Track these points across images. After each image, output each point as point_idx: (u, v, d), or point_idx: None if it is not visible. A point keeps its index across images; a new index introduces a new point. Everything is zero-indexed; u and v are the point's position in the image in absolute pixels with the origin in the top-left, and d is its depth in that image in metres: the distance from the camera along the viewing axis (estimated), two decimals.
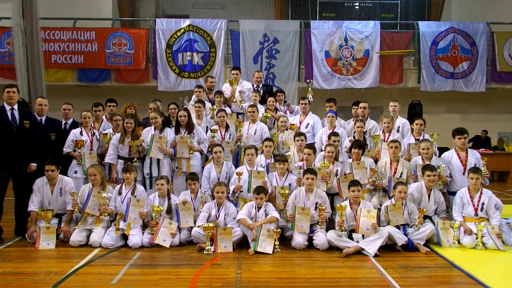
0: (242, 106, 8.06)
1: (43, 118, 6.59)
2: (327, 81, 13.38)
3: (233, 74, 8.51)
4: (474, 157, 6.40)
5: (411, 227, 5.79)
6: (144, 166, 6.66)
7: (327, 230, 5.76)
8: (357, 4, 16.14)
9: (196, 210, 6.01)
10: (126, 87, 13.13)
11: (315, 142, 7.38)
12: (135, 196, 5.88)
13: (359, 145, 6.44)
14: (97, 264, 5.05)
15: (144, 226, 5.89)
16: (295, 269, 4.96)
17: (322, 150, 6.95)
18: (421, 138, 6.85)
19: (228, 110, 7.86)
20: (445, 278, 4.72)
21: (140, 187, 6.14)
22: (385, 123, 7.15)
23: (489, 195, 5.88)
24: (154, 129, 6.70)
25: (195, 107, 7.55)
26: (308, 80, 9.87)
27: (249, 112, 7.44)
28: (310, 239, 5.74)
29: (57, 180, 6.01)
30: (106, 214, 5.81)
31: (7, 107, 5.93)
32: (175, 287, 4.38)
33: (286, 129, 7.40)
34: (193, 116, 7.30)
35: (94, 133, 6.81)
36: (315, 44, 13.35)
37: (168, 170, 6.65)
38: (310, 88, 8.64)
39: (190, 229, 5.84)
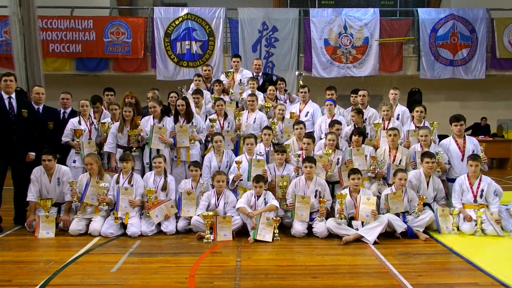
0: (242, 98, 8.00)
1: (41, 107, 6.56)
2: (326, 70, 13.32)
3: (233, 62, 8.46)
4: (472, 143, 6.40)
5: (410, 214, 5.79)
6: (143, 155, 6.66)
7: (326, 218, 5.76)
8: None
9: (196, 199, 6.00)
10: (125, 76, 13.05)
11: (314, 131, 7.36)
12: (132, 185, 5.87)
13: (360, 132, 6.43)
14: (96, 253, 5.06)
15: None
16: (294, 257, 4.98)
17: (321, 139, 6.94)
18: (421, 125, 6.84)
19: (226, 98, 7.81)
20: (444, 265, 4.74)
21: (137, 176, 6.10)
22: (384, 111, 7.11)
23: (488, 181, 5.89)
24: (153, 118, 6.68)
25: (193, 98, 7.49)
26: (298, 72, 9.76)
27: (248, 101, 7.39)
28: (309, 227, 5.75)
29: (54, 170, 5.98)
30: (105, 203, 5.81)
31: (5, 96, 5.90)
32: (175, 275, 4.38)
33: (283, 118, 7.32)
34: (192, 105, 7.26)
35: (92, 122, 6.78)
36: (314, 32, 13.26)
37: (168, 159, 6.62)
38: (301, 82, 8.56)
39: (189, 217, 5.85)
